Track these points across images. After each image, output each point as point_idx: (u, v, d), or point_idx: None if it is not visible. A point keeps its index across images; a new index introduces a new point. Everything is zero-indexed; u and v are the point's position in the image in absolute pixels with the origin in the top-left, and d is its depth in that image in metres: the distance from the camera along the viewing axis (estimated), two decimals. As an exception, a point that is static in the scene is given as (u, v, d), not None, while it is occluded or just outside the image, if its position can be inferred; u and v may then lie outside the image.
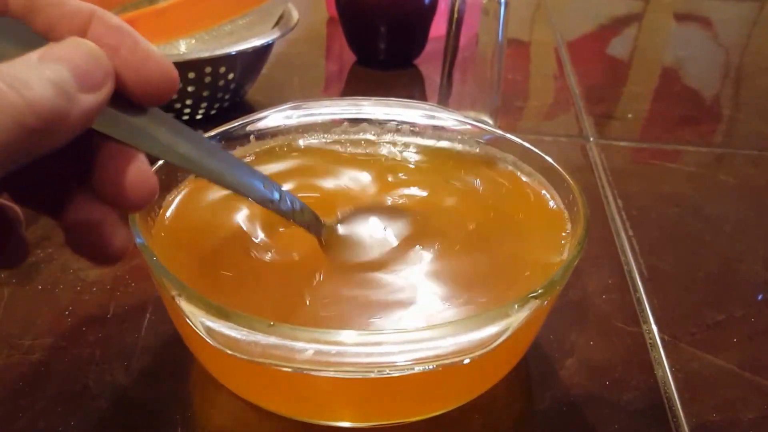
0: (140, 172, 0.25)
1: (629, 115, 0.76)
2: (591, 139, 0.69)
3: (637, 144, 0.70)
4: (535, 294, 0.29)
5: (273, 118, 0.45)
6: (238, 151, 0.45)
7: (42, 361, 0.39)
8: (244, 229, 0.40)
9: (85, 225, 0.26)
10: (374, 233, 0.39)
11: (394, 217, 0.40)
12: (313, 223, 0.36)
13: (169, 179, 0.40)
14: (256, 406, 0.35)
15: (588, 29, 1.10)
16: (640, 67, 0.95)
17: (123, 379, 0.38)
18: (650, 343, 0.42)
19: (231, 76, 0.64)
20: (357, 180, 0.44)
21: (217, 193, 0.42)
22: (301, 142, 0.47)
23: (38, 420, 0.35)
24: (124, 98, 0.24)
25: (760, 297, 0.47)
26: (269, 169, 0.45)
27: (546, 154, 0.41)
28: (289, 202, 0.33)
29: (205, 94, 0.64)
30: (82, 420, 0.35)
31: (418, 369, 0.29)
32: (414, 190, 0.44)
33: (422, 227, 0.40)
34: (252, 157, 0.45)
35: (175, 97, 0.62)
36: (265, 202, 0.31)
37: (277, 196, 0.32)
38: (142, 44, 0.25)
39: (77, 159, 0.25)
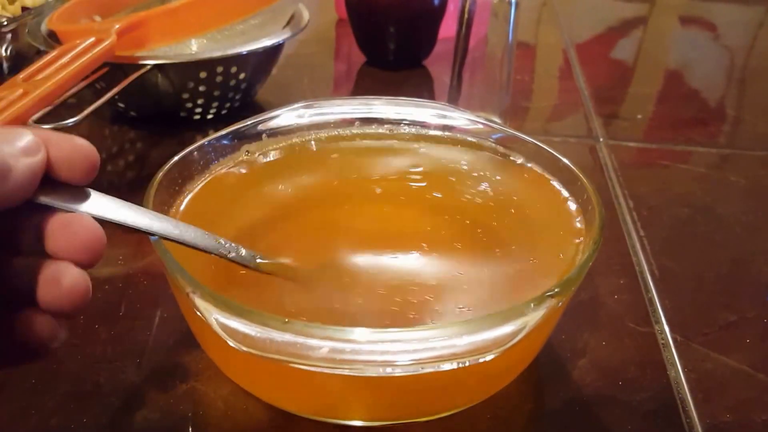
0: (76, 279, 0.25)
1: (638, 116, 0.76)
2: (600, 139, 0.69)
3: (647, 144, 0.70)
4: (551, 293, 0.29)
5: (285, 116, 0.46)
6: (251, 147, 0.45)
7: (54, 359, 0.39)
8: (259, 226, 0.40)
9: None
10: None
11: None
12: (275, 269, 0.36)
13: (182, 175, 0.40)
14: (267, 404, 0.35)
15: (595, 31, 1.09)
16: (648, 68, 0.95)
17: (135, 376, 0.38)
18: (662, 344, 0.42)
19: (242, 75, 0.64)
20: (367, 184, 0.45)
21: (232, 190, 0.42)
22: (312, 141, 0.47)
23: (51, 418, 0.35)
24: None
25: (772, 298, 0.47)
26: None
27: (558, 154, 0.41)
28: (243, 253, 0.34)
29: (216, 93, 0.64)
30: (94, 418, 0.36)
31: (432, 368, 0.29)
32: (425, 191, 0.44)
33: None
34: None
35: (186, 96, 0.62)
36: (223, 256, 0.32)
37: (232, 250, 0.33)
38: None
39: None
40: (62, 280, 0.25)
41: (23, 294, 0.25)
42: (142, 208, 0.30)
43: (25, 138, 0.25)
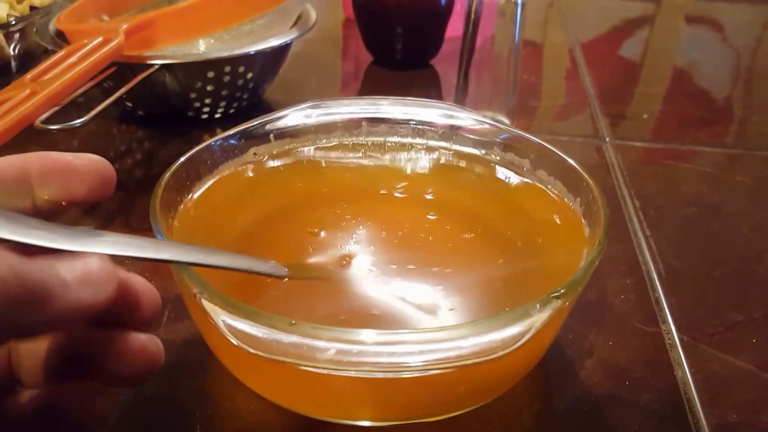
0: (145, 348, 0.26)
1: (645, 116, 0.76)
2: (607, 139, 0.69)
3: (653, 144, 0.69)
4: (557, 294, 0.29)
5: (293, 116, 0.46)
6: (258, 148, 0.45)
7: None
8: (266, 226, 0.40)
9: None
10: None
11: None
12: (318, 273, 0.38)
13: (190, 175, 0.40)
14: (274, 404, 0.35)
15: (601, 31, 1.09)
16: (654, 68, 0.94)
17: (143, 376, 0.38)
18: (669, 344, 0.42)
19: (250, 75, 0.65)
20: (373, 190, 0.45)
21: (239, 190, 0.42)
22: (320, 142, 0.47)
23: (59, 416, 0.36)
24: None
25: (779, 298, 0.47)
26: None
27: (563, 154, 0.41)
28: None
29: (224, 93, 0.64)
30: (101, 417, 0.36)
31: (439, 369, 0.29)
32: (430, 192, 0.44)
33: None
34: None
35: (194, 96, 0.63)
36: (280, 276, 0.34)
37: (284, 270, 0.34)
38: None
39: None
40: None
41: None
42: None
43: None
